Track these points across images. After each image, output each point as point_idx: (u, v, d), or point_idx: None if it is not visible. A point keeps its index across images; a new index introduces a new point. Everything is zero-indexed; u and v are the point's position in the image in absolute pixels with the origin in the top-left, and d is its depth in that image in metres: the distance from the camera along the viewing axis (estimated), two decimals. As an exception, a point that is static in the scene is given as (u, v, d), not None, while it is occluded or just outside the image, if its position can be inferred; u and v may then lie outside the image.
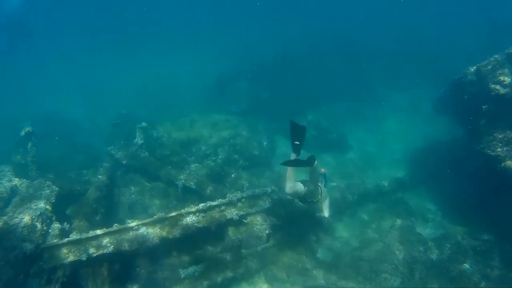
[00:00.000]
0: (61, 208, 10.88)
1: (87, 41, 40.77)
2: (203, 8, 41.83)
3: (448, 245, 10.52)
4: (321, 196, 8.76)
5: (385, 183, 13.57)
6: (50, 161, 15.75)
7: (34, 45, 39.74)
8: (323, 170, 9.51)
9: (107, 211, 11.15)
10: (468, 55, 16.41)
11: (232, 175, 12.67)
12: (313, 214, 11.20)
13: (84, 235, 8.29)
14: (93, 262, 8.16)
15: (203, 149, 13.91)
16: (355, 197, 12.61)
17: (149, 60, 33.29)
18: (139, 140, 13.29)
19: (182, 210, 9.20)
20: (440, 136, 15.98)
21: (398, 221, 11.61)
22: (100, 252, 8.17)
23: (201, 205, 9.38)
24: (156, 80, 26.62)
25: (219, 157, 13.44)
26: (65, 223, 9.49)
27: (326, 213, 9.30)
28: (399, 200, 12.91)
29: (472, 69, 11.59)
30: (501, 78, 10.29)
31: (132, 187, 12.62)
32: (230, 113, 17.49)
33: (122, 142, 14.04)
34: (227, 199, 9.69)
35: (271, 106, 19.03)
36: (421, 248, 10.54)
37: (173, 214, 9.06)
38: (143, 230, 8.70)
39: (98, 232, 8.38)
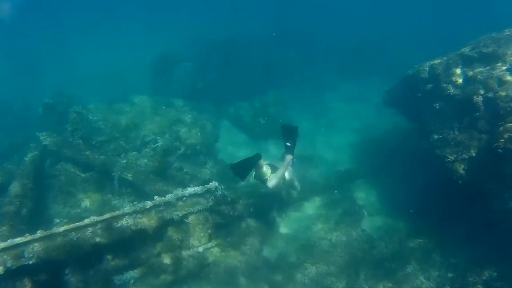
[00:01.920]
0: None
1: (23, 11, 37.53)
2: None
3: (392, 243, 10.44)
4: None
5: (331, 176, 13.37)
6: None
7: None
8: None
9: (33, 207, 10.07)
10: (421, 48, 16.42)
11: (173, 166, 11.89)
12: (258, 210, 10.81)
13: (0, 245, 7.31)
14: (13, 275, 7.23)
15: (141, 135, 12.99)
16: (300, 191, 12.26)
17: (92, 36, 31.16)
18: (72, 125, 12.17)
19: (117, 212, 8.39)
20: (388, 129, 15.97)
21: (344, 218, 11.40)
22: (21, 263, 7.26)
23: (138, 206, 8.62)
24: (98, 57, 25.02)
25: (159, 144, 12.59)
26: (-20, 228, 8.45)
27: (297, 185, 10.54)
28: (345, 194, 12.72)
29: (426, 67, 11.45)
30: (454, 78, 10.14)
31: (63, 178, 11.56)
32: (173, 95, 16.57)
33: (53, 127, 12.88)
34: (166, 198, 8.95)
35: (217, 90, 18.26)
36: (366, 247, 10.40)
37: (107, 216, 8.23)
38: (72, 235, 7.84)
39: (18, 240, 7.41)
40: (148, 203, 8.72)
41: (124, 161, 11.59)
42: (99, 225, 8.14)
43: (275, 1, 33.13)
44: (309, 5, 33.25)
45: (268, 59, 20.95)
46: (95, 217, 8.19)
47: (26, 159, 11.23)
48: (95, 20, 36.92)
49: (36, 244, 7.52)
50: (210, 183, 9.61)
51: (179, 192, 9.19)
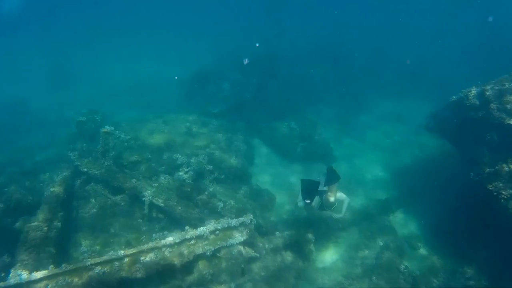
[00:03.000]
0: (7, 224, 9.66)
1: (61, 23, 38.19)
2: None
3: (435, 281, 9.69)
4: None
5: (370, 204, 12.68)
6: (5, 157, 14.44)
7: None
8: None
9: (61, 231, 9.69)
10: (465, 69, 15.57)
11: (206, 192, 11.30)
12: (295, 243, 10.15)
13: (23, 278, 6.91)
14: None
15: (174, 157, 12.49)
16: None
17: (128, 49, 31.24)
18: (103, 146, 11.82)
19: (144, 246, 7.89)
20: (429, 154, 15.15)
21: (385, 253, 10.66)
22: (44, 299, 6.84)
23: (168, 239, 8.10)
24: (133, 71, 24.99)
25: (192, 168, 12.07)
26: (5, 256, 8.10)
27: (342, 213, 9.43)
28: (385, 224, 11.97)
29: (474, 91, 10.64)
30: (508, 106, 9.33)
31: (93, 200, 11.21)
32: (207, 114, 16.17)
33: (84, 145, 12.63)
34: (198, 231, 8.40)
35: (252, 108, 17.73)
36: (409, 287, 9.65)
37: (133, 251, 7.74)
38: (99, 269, 7.37)
39: (39, 275, 7.00)
40: (179, 236, 8.19)
41: (156, 185, 11.12)
42: (126, 259, 7.66)
43: (311, 18, 32.71)
44: (349, 22, 32.71)
45: (304, 75, 20.43)
46: (122, 251, 7.72)
47: (57, 180, 10.93)
48: (129, 30, 37.17)
49: (58, 278, 7.08)
50: (245, 216, 9.04)
51: (211, 224, 8.64)
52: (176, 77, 20.61)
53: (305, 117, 16.98)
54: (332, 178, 8.41)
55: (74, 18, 39.02)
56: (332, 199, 8.26)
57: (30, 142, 16.76)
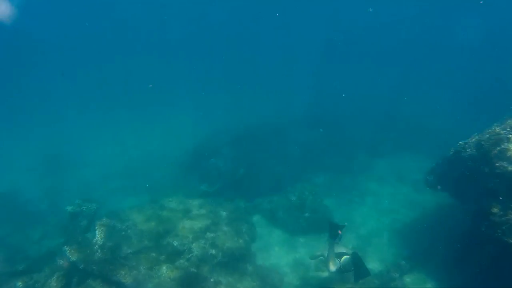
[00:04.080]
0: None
1: (51, 107, 38.36)
2: (180, 75, 40.70)
3: None
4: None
5: (380, 268, 12.18)
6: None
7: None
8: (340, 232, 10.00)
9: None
10: (459, 121, 15.69)
11: (212, 279, 10.75)
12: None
13: None
14: None
15: (175, 244, 11.99)
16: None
17: (119, 129, 31.13)
18: (99, 239, 11.36)
19: None
20: (431, 210, 14.92)
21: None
22: None
23: None
24: (125, 153, 24.80)
25: (194, 254, 11.57)
26: None
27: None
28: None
29: (472, 142, 10.64)
30: (508, 154, 9.26)
31: (90, 299, 10.56)
32: (204, 194, 15.84)
33: (80, 238, 12.09)
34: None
35: (249, 183, 17.47)
36: None
37: None
38: None
39: None
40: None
41: (157, 275, 10.56)
42: None
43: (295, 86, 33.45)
44: (333, 84, 33.41)
45: (296, 145, 20.41)
46: None
47: (52, 280, 10.36)
48: (120, 107, 37.18)
49: None
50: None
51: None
52: None
53: (303, 186, 16.67)
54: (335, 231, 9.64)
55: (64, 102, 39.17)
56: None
57: (21, 236, 16.10)
